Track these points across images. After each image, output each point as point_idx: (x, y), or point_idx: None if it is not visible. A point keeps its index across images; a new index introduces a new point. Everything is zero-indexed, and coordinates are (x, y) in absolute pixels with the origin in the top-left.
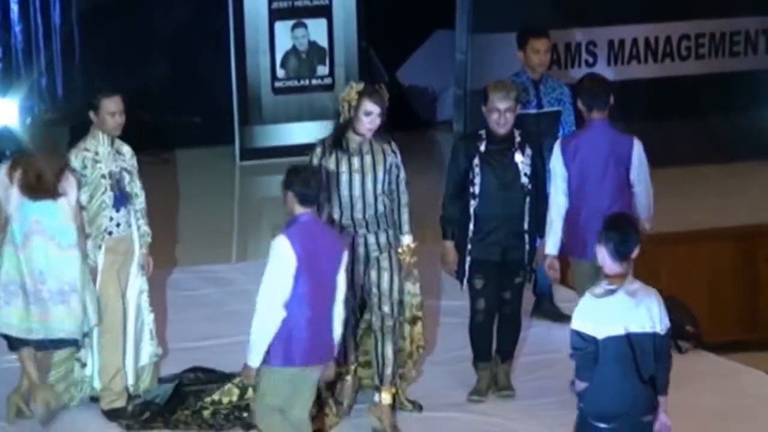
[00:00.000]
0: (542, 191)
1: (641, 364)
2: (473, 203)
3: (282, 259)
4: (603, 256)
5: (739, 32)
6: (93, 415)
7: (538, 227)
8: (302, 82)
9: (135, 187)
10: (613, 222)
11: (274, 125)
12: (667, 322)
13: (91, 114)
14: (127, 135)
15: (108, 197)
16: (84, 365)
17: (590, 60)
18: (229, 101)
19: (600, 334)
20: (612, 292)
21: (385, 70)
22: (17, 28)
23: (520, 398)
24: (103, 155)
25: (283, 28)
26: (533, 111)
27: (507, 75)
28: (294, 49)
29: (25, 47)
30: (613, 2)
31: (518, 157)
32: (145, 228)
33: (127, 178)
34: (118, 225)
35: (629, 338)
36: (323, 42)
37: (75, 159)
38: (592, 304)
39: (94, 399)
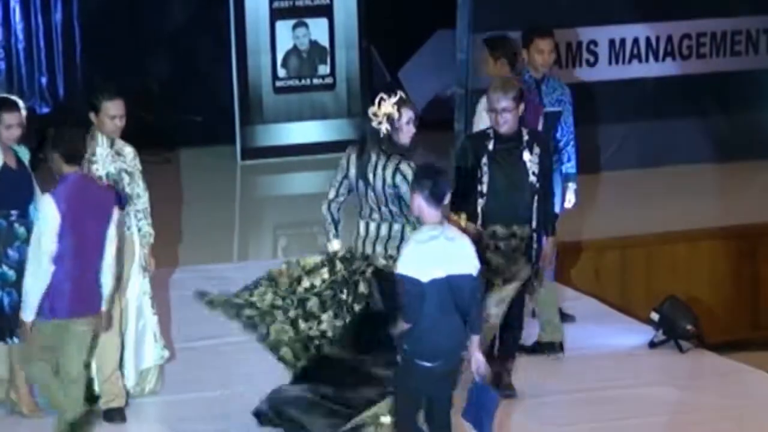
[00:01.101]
0: (550, 190)
1: (459, 305)
2: (481, 202)
3: (46, 217)
4: (419, 204)
5: (740, 32)
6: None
7: (546, 226)
8: (303, 82)
9: (137, 188)
10: (424, 170)
11: (275, 125)
12: (477, 265)
13: (92, 115)
14: (128, 134)
15: None
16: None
17: (591, 59)
18: (230, 101)
19: (424, 277)
20: (434, 237)
21: (386, 70)
22: (18, 27)
23: (521, 397)
24: (101, 156)
25: (284, 27)
26: None
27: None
28: (295, 49)
29: (26, 47)
30: (614, 1)
31: (526, 156)
32: (148, 228)
33: (126, 179)
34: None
35: (449, 280)
36: (324, 41)
37: None
38: (416, 250)
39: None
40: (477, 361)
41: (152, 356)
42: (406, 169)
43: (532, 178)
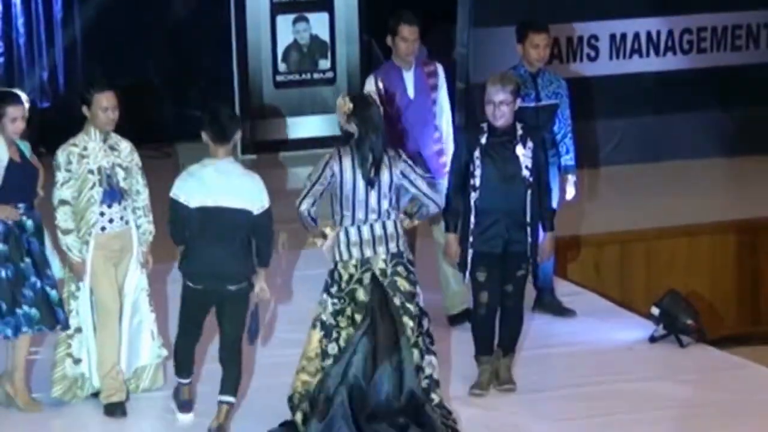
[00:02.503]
0: (546, 186)
1: (230, 235)
2: (474, 195)
3: None
4: (206, 140)
5: (740, 26)
6: (96, 412)
7: (541, 220)
8: (304, 76)
9: (136, 184)
10: (212, 111)
11: (275, 119)
12: (264, 205)
13: (84, 109)
14: (129, 129)
15: (96, 192)
16: (78, 361)
17: (592, 54)
18: (230, 95)
19: (192, 203)
20: (205, 166)
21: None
22: (19, 22)
23: (520, 392)
24: (93, 150)
25: (284, 21)
26: (531, 104)
27: (506, 68)
28: (295, 43)
29: (27, 41)
30: None
31: (519, 150)
32: (148, 226)
33: (121, 174)
34: (111, 221)
35: (219, 210)
36: (325, 36)
37: (61, 154)
38: (187, 177)
39: (96, 395)
40: (262, 289)
41: (149, 354)
42: (404, 164)
43: (526, 172)
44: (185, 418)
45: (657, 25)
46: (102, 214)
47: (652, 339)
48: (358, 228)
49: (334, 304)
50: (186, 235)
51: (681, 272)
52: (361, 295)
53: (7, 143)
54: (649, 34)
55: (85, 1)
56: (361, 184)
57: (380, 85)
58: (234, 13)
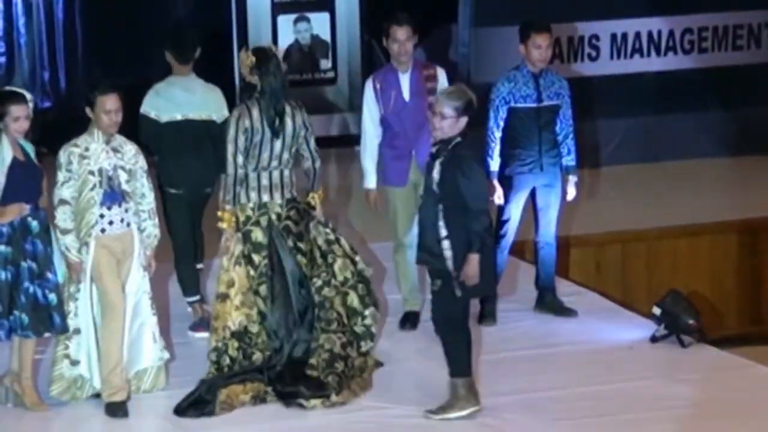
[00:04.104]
0: (469, 205)
1: (198, 143)
2: None
3: None
4: (170, 58)
5: (742, 26)
6: (97, 411)
7: (469, 242)
8: (305, 76)
9: (141, 187)
10: (176, 34)
11: None
12: (225, 114)
13: (87, 110)
14: (129, 129)
15: (96, 194)
16: (75, 363)
17: (593, 54)
18: (231, 95)
19: (162, 118)
20: (172, 84)
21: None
22: (20, 22)
23: (521, 392)
24: (94, 152)
25: (285, 22)
26: (533, 105)
27: (509, 68)
28: (296, 43)
29: (28, 41)
30: None
31: (436, 166)
32: (153, 229)
33: (124, 176)
34: (111, 223)
35: (187, 122)
36: (326, 36)
37: (62, 154)
38: (154, 94)
39: (98, 396)
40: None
41: (150, 357)
42: (305, 114)
43: (435, 188)
44: (200, 335)
45: (658, 24)
46: (102, 216)
47: (654, 339)
48: (258, 174)
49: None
50: (160, 146)
51: (682, 272)
52: (259, 236)
53: (11, 143)
54: (650, 33)
55: (87, 2)
56: (267, 133)
57: (377, 86)
58: (235, 13)
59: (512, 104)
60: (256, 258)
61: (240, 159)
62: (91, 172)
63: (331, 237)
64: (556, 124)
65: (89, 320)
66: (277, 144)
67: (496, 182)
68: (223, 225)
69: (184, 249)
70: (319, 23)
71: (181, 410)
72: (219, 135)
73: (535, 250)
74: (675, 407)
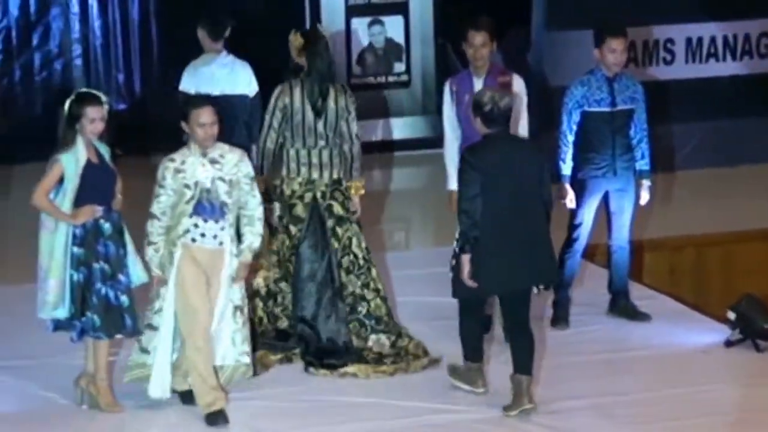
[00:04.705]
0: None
1: (233, 116)
2: None
3: None
4: (203, 36)
5: None
6: (168, 411)
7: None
8: (378, 79)
9: (244, 194)
10: (210, 14)
11: None
12: (256, 89)
13: (183, 124)
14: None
15: (191, 206)
16: (144, 350)
17: (668, 58)
18: None
19: (200, 92)
20: (207, 62)
21: (462, 67)
22: (96, 24)
23: (595, 396)
24: (190, 165)
25: (359, 24)
26: (607, 109)
27: (582, 72)
28: (370, 46)
29: (104, 43)
30: (691, 0)
31: None
32: (251, 237)
33: (223, 188)
34: (203, 235)
35: (224, 98)
36: (400, 39)
37: (159, 169)
38: (193, 71)
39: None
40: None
41: (227, 355)
42: (350, 99)
43: None
44: None
45: (734, 29)
46: (196, 225)
47: (728, 343)
48: (309, 152)
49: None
50: None
51: (757, 276)
52: (299, 210)
53: (85, 144)
54: (725, 38)
55: (162, 4)
56: (309, 112)
57: (453, 89)
58: (309, 16)
59: (586, 108)
60: (293, 229)
61: (273, 134)
62: (187, 185)
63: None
64: (629, 128)
65: (170, 324)
66: (320, 124)
67: (568, 186)
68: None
69: None
70: (393, 26)
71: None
72: (251, 109)
73: (609, 254)
74: (750, 412)
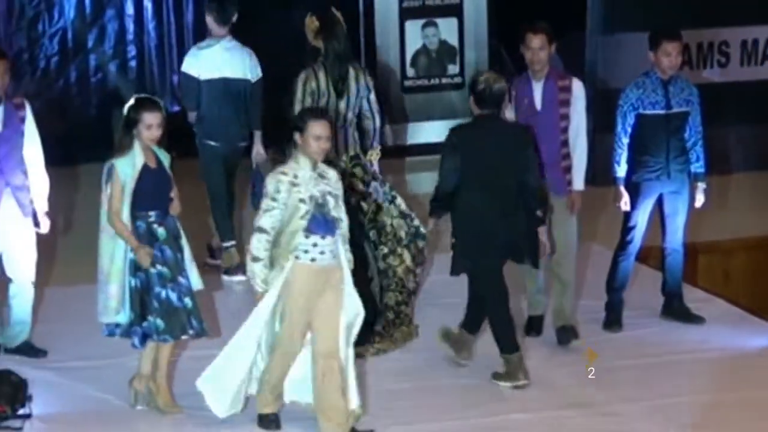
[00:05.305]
0: None
1: (234, 101)
2: None
3: None
4: (210, 21)
5: None
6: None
7: None
8: (432, 81)
9: (340, 212)
10: (215, 1)
11: (402, 124)
12: (259, 74)
13: (296, 135)
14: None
15: (306, 221)
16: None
17: (722, 60)
18: None
19: (201, 76)
20: (211, 45)
21: (516, 69)
22: (150, 26)
23: (649, 399)
24: (303, 179)
25: (413, 27)
26: (662, 112)
27: (636, 74)
28: (424, 48)
29: (158, 45)
30: (746, 2)
31: None
32: (348, 254)
33: (332, 202)
34: (322, 253)
35: (224, 81)
36: (454, 41)
37: (270, 182)
38: (196, 53)
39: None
40: (258, 153)
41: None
42: (369, 77)
43: None
44: (237, 279)
45: None
46: (315, 245)
47: None
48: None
49: None
50: (199, 102)
51: None
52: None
53: (142, 149)
54: None
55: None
56: (333, 94)
57: (513, 93)
58: (363, 18)
59: (641, 110)
60: None
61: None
62: (302, 200)
63: (389, 195)
64: (684, 130)
65: (256, 335)
66: (342, 104)
67: (622, 188)
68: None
69: (219, 197)
70: (447, 28)
71: None
72: (252, 94)
73: (663, 256)
74: None
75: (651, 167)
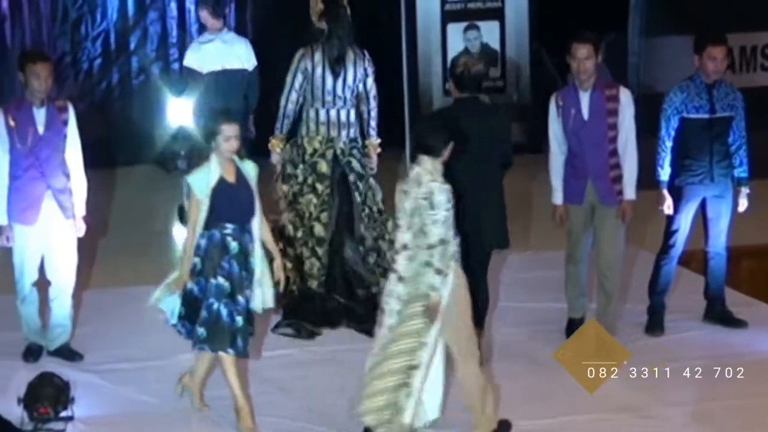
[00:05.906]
0: None
1: (233, 89)
2: None
3: None
4: (205, 16)
5: None
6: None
7: None
8: None
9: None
10: None
11: None
12: (255, 63)
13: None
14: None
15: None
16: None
17: (766, 64)
18: (400, 103)
19: (204, 69)
20: (211, 39)
21: (557, 73)
22: (193, 28)
23: (691, 403)
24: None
25: (455, 29)
26: (706, 116)
27: (679, 77)
28: (466, 51)
29: None
30: None
31: None
32: None
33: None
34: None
35: (224, 72)
36: (495, 44)
37: (443, 191)
38: (197, 48)
39: None
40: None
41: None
42: (368, 62)
43: None
44: None
45: None
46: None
47: None
48: (327, 111)
49: (297, 177)
50: (203, 94)
51: None
52: (323, 167)
53: (220, 162)
54: None
55: (258, 9)
56: (329, 74)
57: (559, 103)
58: (405, 22)
59: (684, 114)
60: (319, 187)
61: (293, 95)
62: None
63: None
64: (728, 135)
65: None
66: (339, 84)
67: (665, 192)
68: (271, 147)
69: None
70: (488, 32)
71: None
72: (250, 82)
73: (706, 260)
74: None
75: (694, 171)
